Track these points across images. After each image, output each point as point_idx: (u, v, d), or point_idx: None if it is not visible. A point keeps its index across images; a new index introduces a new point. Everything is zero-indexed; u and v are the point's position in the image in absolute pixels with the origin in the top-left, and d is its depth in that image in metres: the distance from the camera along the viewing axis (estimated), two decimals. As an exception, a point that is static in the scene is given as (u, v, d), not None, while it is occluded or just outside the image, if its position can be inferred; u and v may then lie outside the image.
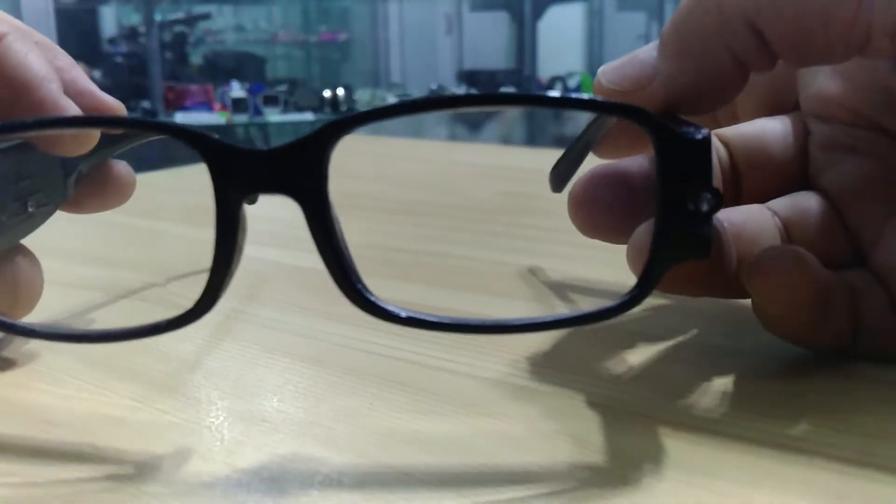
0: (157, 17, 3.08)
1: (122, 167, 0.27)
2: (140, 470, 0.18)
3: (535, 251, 0.35)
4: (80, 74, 0.25)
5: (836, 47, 0.19)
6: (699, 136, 0.18)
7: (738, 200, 0.24)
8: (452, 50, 3.42)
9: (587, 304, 0.28)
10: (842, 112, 0.23)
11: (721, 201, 0.18)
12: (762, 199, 0.24)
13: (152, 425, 0.20)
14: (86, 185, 0.26)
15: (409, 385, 0.22)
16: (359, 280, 0.19)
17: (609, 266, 0.27)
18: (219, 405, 0.21)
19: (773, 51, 0.19)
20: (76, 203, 0.26)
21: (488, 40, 3.43)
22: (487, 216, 0.41)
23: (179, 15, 3.35)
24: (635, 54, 0.21)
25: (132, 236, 0.40)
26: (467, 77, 3.33)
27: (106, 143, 0.26)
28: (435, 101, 0.18)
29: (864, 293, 0.21)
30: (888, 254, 0.22)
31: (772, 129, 0.24)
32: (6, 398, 0.21)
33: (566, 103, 0.18)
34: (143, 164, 0.28)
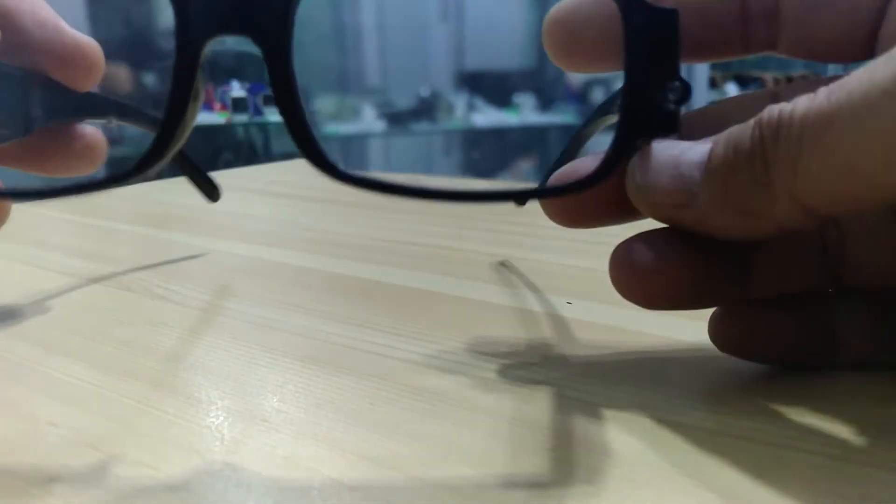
0: (158, 17, 3.08)
1: (89, 129, 0.25)
2: (139, 469, 0.18)
3: (535, 247, 0.36)
4: (62, 25, 0.25)
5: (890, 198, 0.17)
6: (667, 10, 0.19)
7: (747, 48, 0.21)
8: (449, 42, 2.50)
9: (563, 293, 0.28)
10: None
11: (688, 88, 0.18)
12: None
13: (152, 425, 0.20)
14: (48, 142, 0.25)
15: (410, 385, 0.22)
16: (313, 136, 0.19)
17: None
18: (219, 405, 0.21)
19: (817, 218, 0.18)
20: (39, 160, 0.25)
21: (498, 29, 2.47)
22: (496, 216, 0.44)
23: (180, 15, 3.35)
24: (677, 161, 0.19)
25: (107, 235, 0.40)
26: (469, 80, 2.51)
27: (81, 107, 0.25)
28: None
29: (840, 312, 0.21)
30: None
31: None
32: (3, 399, 0.21)
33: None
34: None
